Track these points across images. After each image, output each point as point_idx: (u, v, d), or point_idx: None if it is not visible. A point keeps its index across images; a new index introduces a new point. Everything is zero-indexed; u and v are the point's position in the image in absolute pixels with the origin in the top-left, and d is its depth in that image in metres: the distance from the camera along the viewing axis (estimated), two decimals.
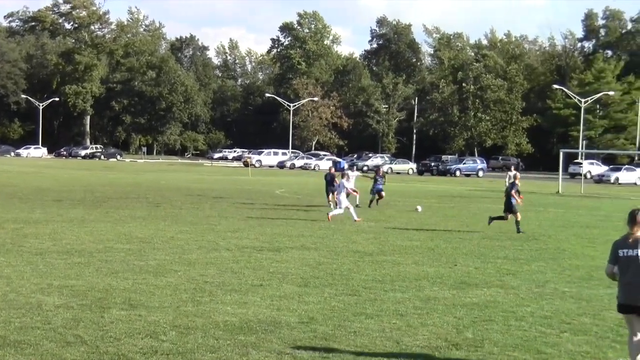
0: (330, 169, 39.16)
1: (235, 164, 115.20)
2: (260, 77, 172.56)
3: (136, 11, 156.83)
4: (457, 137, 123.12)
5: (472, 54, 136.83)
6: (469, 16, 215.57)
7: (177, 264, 17.99)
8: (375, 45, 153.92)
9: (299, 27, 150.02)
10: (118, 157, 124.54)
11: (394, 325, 12.47)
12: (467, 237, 25.48)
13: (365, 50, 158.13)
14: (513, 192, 28.25)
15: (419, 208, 35.81)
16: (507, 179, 50.68)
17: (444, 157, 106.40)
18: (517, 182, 29.50)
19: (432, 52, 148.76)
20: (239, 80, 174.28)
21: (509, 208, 28.15)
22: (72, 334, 11.39)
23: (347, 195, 31.64)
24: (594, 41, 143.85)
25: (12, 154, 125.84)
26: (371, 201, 38.17)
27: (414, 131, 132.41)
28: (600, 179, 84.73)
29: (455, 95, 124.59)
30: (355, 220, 29.50)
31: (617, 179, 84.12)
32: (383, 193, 38.60)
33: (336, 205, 32.14)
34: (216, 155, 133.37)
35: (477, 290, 15.71)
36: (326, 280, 16.49)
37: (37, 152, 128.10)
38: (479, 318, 13.17)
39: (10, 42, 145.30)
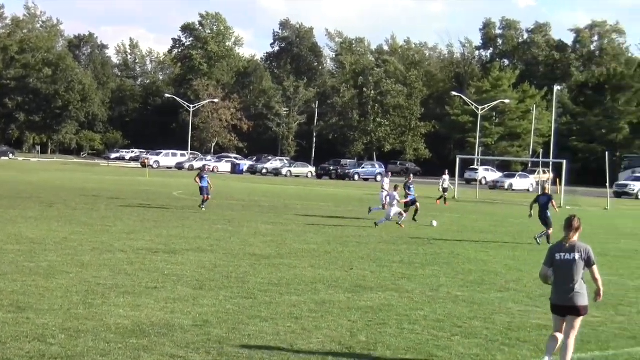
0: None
1: (132, 164, 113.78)
2: (161, 78, 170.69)
3: (33, 7, 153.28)
4: (357, 141, 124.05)
5: (373, 59, 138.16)
6: (371, 22, 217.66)
7: (69, 266, 17.62)
8: (277, 48, 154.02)
9: (200, 28, 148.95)
10: (10, 155, 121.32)
11: (288, 329, 12.46)
12: (363, 241, 25.66)
13: (267, 53, 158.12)
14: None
15: (435, 223, 32.81)
16: (442, 183, 51.53)
17: (343, 161, 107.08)
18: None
19: (333, 56, 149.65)
20: (139, 80, 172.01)
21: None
22: None
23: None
24: (491, 50, 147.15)
25: None
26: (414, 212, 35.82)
27: (314, 135, 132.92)
28: (494, 185, 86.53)
29: (356, 100, 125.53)
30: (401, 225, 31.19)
31: (511, 185, 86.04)
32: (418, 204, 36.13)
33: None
34: (113, 156, 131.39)
35: (372, 294, 15.81)
36: (222, 283, 16.38)
37: None
38: (373, 321, 13.26)
39: None
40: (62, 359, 10.19)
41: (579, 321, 10.48)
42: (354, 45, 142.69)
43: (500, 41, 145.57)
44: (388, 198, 32.40)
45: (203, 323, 12.55)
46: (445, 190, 51.59)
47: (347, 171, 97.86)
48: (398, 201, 32.09)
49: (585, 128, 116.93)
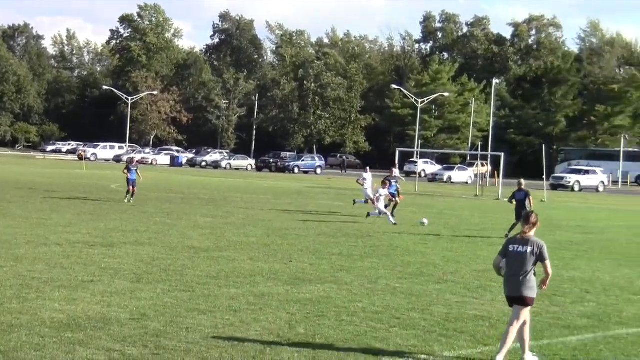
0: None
1: (69, 157, 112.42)
2: (99, 69, 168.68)
3: None
4: (297, 134, 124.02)
5: (314, 52, 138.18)
6: (311, 14, 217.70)
7: (2, 260, 17.32)
8: (217, 40, 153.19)
9: (139, 20, 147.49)
10: None
11: (227, 321, 12.41)
12: (303, 234, 25.66)
13: (207, 45, 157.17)
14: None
15: (425, 221, 30.77)
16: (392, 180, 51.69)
17: (283, 153, 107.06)
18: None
19: (274, 49, 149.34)
20: (76, 71, 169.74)
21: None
22: None
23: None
24: (431, 43, 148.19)
25: None
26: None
27: (254, 127, 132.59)
28: (434, 178, 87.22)
29: (296, 93, 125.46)
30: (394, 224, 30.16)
31: (449, 177, 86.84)
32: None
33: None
34: (49, 148, 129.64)
35: (311, 286, 15.82)
36: (160, 276, 16.26)
37: None
38: (312, 314, 13.26)
39: None
40: None
41: (525, 311, 10.75)
42: (294, 38, 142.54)
43: (440, 35, 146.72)
44: (376, 194, 31.88)
45: (140, 316, 12.44)
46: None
47: (287, 164, 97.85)
48: (383, 196, 31.81)
49: (523, 121, 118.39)
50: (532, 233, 10.85)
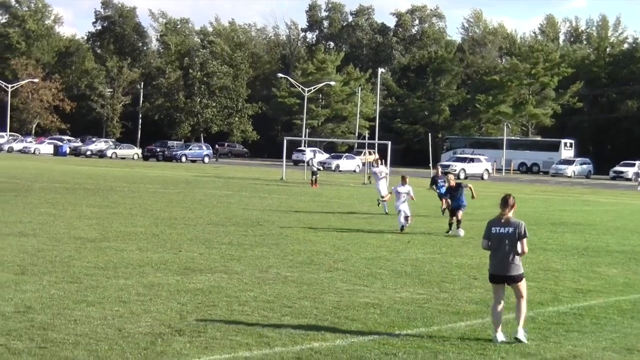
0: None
1: None
2: None
3: None
4: (183, 122, 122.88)
5: (199, 40, 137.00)
6: (195, 2, 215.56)
7: None
8: (99, 28, 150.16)
9: (17, 5, 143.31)
10: None
11: (116, 313, 12.20)
12: (192, 223, 25.44)
13: (89, 32, 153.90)
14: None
15: (461, 232, 25.30)
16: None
17: (169, 142, 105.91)
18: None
19: (158, 37, 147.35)
20: None
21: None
22: None
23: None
24: (317, 32, 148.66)
25: None
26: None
27: (140, 116, 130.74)
28: (322, 167, 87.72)
29: (182, 81, 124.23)
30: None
31: (337, 166, 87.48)
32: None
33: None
34: None
35: (201, 276, 15.69)
36: (45, 267, 15.87)
37: None
38: (203, 304, 13.15)
39: None
40: None
41: (521, 285, 11.60)
42: (178, 26, 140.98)
43: (325, 24, 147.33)
44: (394, 193, 26.95)
45: (26, 309, 12.13)
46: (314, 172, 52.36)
47: (174, 153, 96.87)
48: (403, 195, 26.43)
49: (409, 110, 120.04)
50: (511, 214, 11.57)
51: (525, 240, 11.48)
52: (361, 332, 11.69)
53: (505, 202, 11.55)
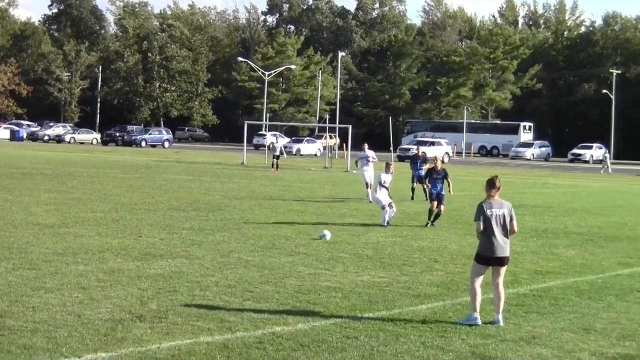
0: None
1: None
2: None
3: None
4: (143, 107, 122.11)
5: (158, 23, 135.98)
6: None
7: None
8: (55, 11, 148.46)
9: None
10: None
11: (75, 299, 12.09)
12: (152, 209, 25.27)
13: (45, 15, 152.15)
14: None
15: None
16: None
17: (129, 127, 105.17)
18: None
19: (116, 20, 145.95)
20: None
21: None
22: None
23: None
24: (277, 16, 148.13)
25: None
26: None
27: (98, 100, 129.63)
28: (282, 151, 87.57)
29: (140, 65, 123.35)
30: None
31: (299, 150, 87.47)
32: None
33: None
34: None
35: (162, 262, 15.60)
36: (2, 254, 15.69)
37: None
38: (164, 289, 13.07)
39: None
40: None
41: (504, 269, 11.83)
42: (137, 10, 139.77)
43: (285, 7, 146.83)
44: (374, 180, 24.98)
45: None
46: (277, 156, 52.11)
47: (133, 137, 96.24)
48: (385, 187, 23.82)
49: (369, 94, 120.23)
50: (497, 196, 11.71)
51: (515, 220, 11.73)
52: (323, 316, 11.69)
53: (493, 184, 11.68)
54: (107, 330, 10.44)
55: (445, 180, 23.83)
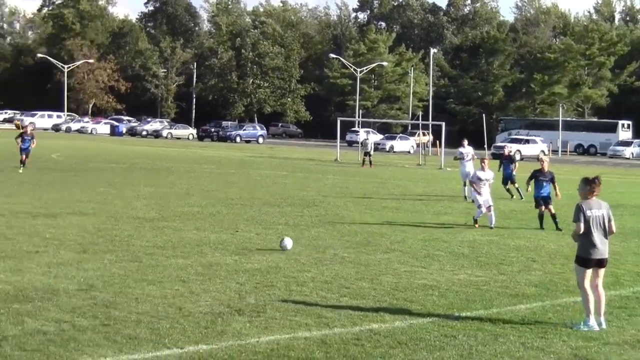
0: None
1: (6, 125, 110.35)
2: (31, 37, 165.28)
3: None
4: (237, 103, 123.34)
5: (250, 20, 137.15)
6: None
7: None
8: (151, 8, 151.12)
9: None
10: None
11: (176, 292, 12.32)
12: (248, 204, 25.53)
13: (141, 13, 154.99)
14: None
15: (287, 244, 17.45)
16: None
17: (224, 123, 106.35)
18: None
19: (209, 17, 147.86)
20: (8, 39, 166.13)
21: None
22: None
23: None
24: (368, 12, 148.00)
25: None
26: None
27: (194, 96, 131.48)
28: (376, 147, 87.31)
29: (234, 62, 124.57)
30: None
31: (392, 147, 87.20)
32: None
33: None
34: None
35: (258, 256, 15.76)
36: (106, 246, 16.08)
37: None
38: (261, 284, 13.22)
39: None
40: None
41: (604, 271, 11.54)
42: (230, 7, 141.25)
43: (376, 4, 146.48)
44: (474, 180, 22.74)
45: (88, 287, 12.32)
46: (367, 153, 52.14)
47: (228, 133, 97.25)
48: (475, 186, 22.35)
49: (462, 91, 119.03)
50: (596, 196, 11.47)
51: (613, 221, 11.47)
52: (420, 314, 11.67)
53: (595, 184, 11.39)
54: (207, 323, 10.63)
55: (552, 184, 22.27)
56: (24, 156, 34.80)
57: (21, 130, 37.75)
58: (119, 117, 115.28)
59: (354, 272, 14.65)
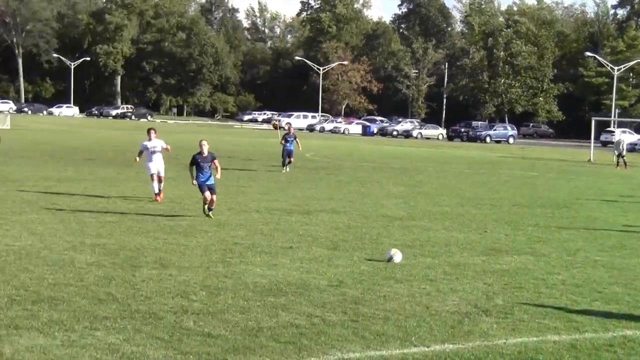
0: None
1: (264, 126, 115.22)
2: (290, 40, 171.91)
3: None
4: (487, 103, 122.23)
5: (503, 20, 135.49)
6: None
7: (207, 225, 18.03)
8: (405, 10, 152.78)
9: None
10: (148, 117, 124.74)
11: (423, 290, 12.43)
12: (497, 204, 25.30)
13: (395, 15, 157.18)
14: None
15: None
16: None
17: (474, 123, 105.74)
18: None
19: (462, 17, 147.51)
20: (268, 42, 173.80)
21: None
22: (104, 292, 11.46)
23: None
24: (628, 8, 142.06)
25: (45, 112, 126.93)
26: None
27: (444, 97, 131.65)
28: (632, 148, 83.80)
29: (485, 61, 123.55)
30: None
31: None
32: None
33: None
34: (246, 118, 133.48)
35: (507, 257, 15.60)
36: (355, 244, 16.46)
37: (69, 111, 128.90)
38: (509, 285, 13.09)
39: (41, 1, 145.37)
40: (204, 315, 10.45)
41: None
42: (483, 6, 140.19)
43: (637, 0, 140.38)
44: None
45: (338, 283, 12.65)
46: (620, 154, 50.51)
47: (478, 133, 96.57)
48: None
49: None
50: None
51: None
52: None
53: None
54: (454, 322, 10.65)
55: None
56: (287, 158, 35.72)
57: (285, 132, 39.18)
58: (371, 117, 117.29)
59: (606, 276, 14.20)
